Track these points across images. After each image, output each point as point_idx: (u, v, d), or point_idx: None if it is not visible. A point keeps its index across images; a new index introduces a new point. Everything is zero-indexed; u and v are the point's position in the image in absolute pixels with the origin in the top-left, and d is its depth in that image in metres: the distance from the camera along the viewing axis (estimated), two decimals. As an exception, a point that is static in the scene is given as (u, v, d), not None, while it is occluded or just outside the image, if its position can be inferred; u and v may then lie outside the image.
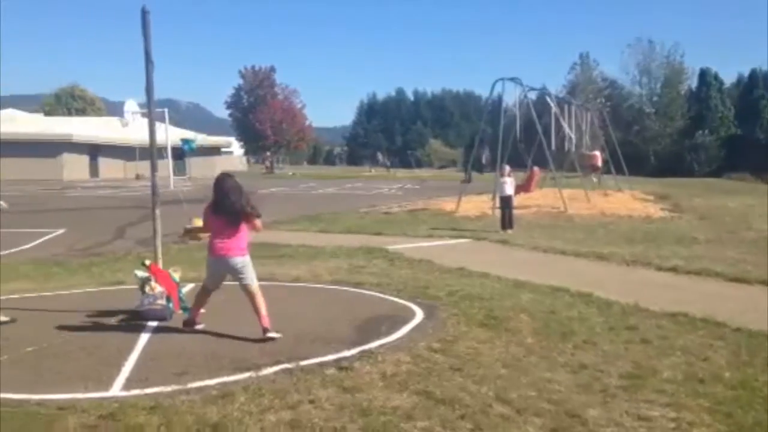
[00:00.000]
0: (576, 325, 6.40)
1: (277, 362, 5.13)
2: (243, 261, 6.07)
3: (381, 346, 5.65)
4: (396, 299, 7.62)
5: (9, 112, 54.73)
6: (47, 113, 66.64)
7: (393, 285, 8.43)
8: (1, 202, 6.63)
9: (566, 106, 25.29)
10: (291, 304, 7.55)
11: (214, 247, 6.05)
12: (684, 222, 17.16)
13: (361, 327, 6.35)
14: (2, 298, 6.70)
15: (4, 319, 6.40)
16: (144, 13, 6.63)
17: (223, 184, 6.13)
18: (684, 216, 18.52)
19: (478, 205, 20.57)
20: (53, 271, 9.75)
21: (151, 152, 7.17)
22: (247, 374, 4.89)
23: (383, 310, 7.11)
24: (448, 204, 21.19)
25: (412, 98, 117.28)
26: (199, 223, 6.86)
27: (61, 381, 4.77)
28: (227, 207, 6.01)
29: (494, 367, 5.13)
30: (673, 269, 9.61)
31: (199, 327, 6.21)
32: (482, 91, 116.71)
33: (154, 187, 7.18)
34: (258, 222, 6.20)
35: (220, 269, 6.12)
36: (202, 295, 6.31)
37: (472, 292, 7.88)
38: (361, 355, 5.37)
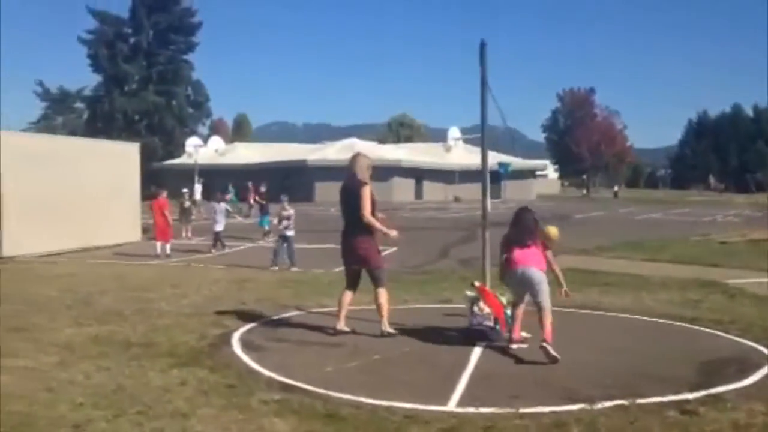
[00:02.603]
0: None
1: (611, 397, 4.90)
2: (541, 276, 6.25)
3: (729, 391, 5.07)
4: (741, 340, 6.83)
5: (350, 141, 61.74)
6: (380, 141, 73.86)
7: (736, 323, 7.56)
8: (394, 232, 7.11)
9: None
10: (619, 336, 7.22)
11: (513, 262, 6.36)
12: None
13: (702, 368, 5.78)
14: (356, 308, 7.49)
15: (392, 331, 7.02)
16: (482, 46, 6.96)
17: (525, 217, 6.62)
18: None
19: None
20: (389, 285, 10.62)
21: (483, 177, 7.47)
22: (579, 406, 4.74)
23: (726, 351, 6.40)
24: (800, 234, 18.45)
25: (751, 114, 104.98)
26: None
27: (405, 390, 5.12)
28: (528, 235, 6.48)
29: None
30: None
31: (521, 346, 6.35)
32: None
33: (484, 210, 7.46)
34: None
35: (520, 282, 6.34)
36: (515, 312, 6.53)
37: (843, 340, 6.69)
38: (706, 400, 4.87)
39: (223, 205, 16.49)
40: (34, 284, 10.63)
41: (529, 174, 61.30)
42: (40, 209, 14.89)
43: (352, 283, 7.24)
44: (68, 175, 15.87)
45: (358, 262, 7.08)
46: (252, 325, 7.55)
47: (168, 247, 15.34)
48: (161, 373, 5.58)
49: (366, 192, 6.86)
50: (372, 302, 7.24)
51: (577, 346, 6.08)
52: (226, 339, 6.84)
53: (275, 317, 8.06)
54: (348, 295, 7.20)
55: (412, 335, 6.97)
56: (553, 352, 5.81)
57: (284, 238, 13.36)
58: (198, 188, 31.37)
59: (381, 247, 7.29)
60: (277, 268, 12.95)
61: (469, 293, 7.14)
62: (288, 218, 13.41)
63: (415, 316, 7.96)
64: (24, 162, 14.80)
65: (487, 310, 6.94)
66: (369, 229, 6.96)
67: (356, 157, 7.27)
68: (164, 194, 16.27)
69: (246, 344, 6.62)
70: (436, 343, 6.68)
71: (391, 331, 7.02)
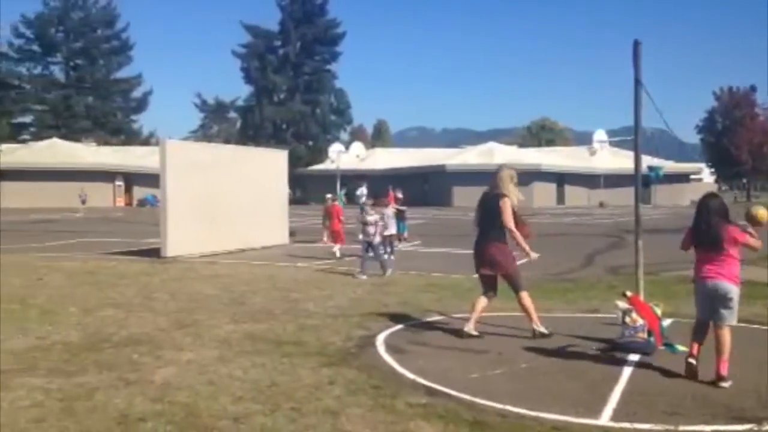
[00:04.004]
0: None
1: (783, 420, 4.51)
2: (732, 290, 5.47)
3: None
4: None
5: (488, 146, 61.23)
6: (521, 145, 72.59)
7: None
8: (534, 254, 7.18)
9: None
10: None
11: (699, 271, 5.64)
12: None
13: None
14: (501, 314, 7.42)
15: (544, 330, 7.08)
16: (636, 45, 6.66)
17: (706, 205, 5.69)
18: None
19: None
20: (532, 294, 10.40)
21: (635, 182, 7.12)
22: (746, 426, 4.40)
23: None
24: None
25: None
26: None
27: (552, 401, 4.99)
28: (704, 231, 5.58)
29: None
30: None
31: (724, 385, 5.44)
32: None
33: (637, 216, 7.11)
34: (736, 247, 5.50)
35: (705, 294, 5.59)
36: (700, 333, 5.71)
37: None
38: None
39: (391, 209, 16.53)
40: (195, 283, 11.42)
41: (682, 178, 57.90)
42: (200, 213, 15.97)
43: (488, 289, 7.28)
44: (224, 180, 16.90)
45: (489, 266, 7.17)
46: (395, 328, 7.66)
47: (337, 249, 15.88)
48: (311, 371, 5.80)
49: (506, 205, 7.00)
50: (517, 309, 7.15)
51: (742, 363, 5.62)
52: (370, 341, 6.99)
53: (418, 321, 8.14)
54: (482, 300, 7.24)
55: (559, 345, 6.78)
56: (727, 384, 5.30)
57: (368, 245, 12.49)
58: (364, 191, 32.32)
59: (515, 253, 7.26)
60: (365, 277, 11.85)
61: (621, 304, 6.82)
62: (373, 224, 12.64)
63: (561, 326, 7.72)
64: (185, 169, 15.96)
65: (640, 321, 6.60)
66: (503, 238, 7.08)
67: (500, 168, 7.43)
68: (337, 201, 17.10)
69: (390, 347, 6.72)
70: (583, 354, 6.45)
71: (544, 330, 7.03)
